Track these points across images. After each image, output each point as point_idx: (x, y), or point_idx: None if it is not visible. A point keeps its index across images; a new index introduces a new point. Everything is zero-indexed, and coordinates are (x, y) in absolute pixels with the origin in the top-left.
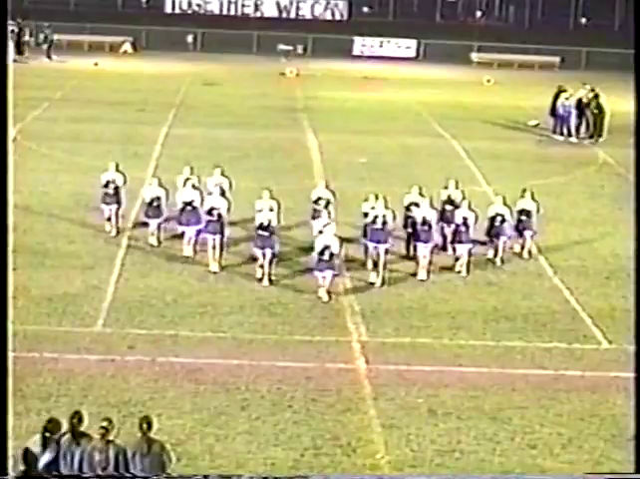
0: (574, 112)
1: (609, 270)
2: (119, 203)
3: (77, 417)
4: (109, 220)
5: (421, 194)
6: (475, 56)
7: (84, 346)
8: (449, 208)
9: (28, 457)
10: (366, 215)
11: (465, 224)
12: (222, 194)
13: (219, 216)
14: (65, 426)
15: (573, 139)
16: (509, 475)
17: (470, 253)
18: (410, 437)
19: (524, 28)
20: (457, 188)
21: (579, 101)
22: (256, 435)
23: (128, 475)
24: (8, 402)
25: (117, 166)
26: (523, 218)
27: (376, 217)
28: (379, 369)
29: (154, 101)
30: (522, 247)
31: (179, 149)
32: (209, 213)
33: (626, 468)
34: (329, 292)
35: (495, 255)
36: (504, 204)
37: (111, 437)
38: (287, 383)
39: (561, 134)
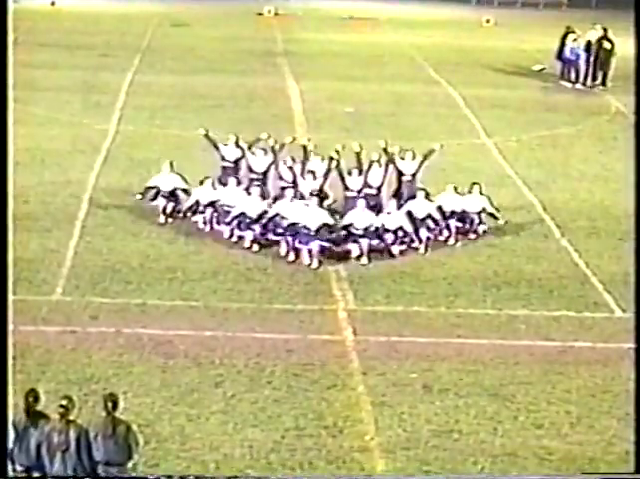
0: (584, 55)
1: (623, 231)
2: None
3: (32, 396)
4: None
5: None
6: None
7: (40, 317)
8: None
9: None
10: None
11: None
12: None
13: None
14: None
15: (581, 85)
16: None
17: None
18: (402, 416)
19: None
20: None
21: (589, 43)
22: (232, 415)
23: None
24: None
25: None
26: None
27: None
28: (368, 341)
29: (117, 44)
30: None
31: (146, 97)
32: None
33: None
34: (309, 264)
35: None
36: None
37: (71, 417)
38: (266, 357)
39: (569, 80)
